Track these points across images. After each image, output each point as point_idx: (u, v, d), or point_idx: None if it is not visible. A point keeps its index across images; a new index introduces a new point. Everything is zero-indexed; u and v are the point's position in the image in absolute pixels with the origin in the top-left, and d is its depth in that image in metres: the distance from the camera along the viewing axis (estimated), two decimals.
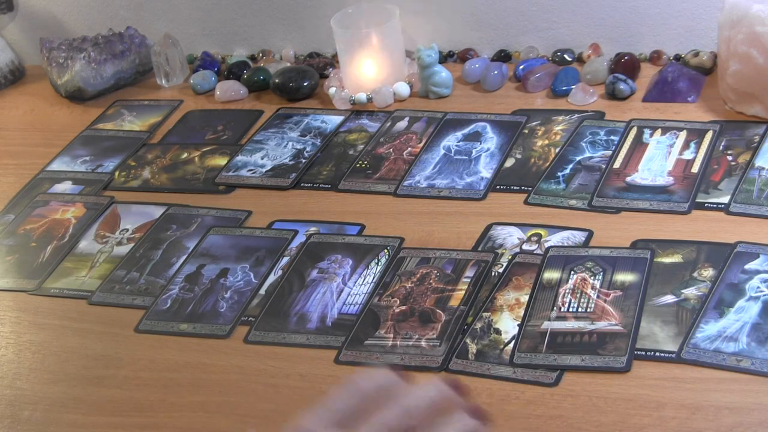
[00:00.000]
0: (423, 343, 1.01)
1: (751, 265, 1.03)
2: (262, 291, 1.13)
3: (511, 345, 0.99)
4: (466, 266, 1.10)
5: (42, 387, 1.06)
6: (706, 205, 1.14)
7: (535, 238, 1.13)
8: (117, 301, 1.16)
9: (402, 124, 1.39)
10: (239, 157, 1.38)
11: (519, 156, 1.28)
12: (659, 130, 1.27)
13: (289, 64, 1.58)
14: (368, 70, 1.44)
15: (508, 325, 1.02)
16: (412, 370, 0.99)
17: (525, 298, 1.04)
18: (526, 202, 1.20)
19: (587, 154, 1.25)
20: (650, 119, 1.30)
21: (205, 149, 1.42)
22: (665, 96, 1.34)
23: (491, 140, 1.32)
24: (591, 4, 1.45)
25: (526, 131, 1.32)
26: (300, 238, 1.20)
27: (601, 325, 0.99)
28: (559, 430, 0.90)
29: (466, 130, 1.35)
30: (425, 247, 1.15)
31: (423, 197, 1.24)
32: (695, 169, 1.20)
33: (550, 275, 1.07)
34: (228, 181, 1.34)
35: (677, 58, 1.43)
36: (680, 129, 1.27)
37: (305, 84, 1.49)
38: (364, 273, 1.12)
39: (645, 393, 0.92)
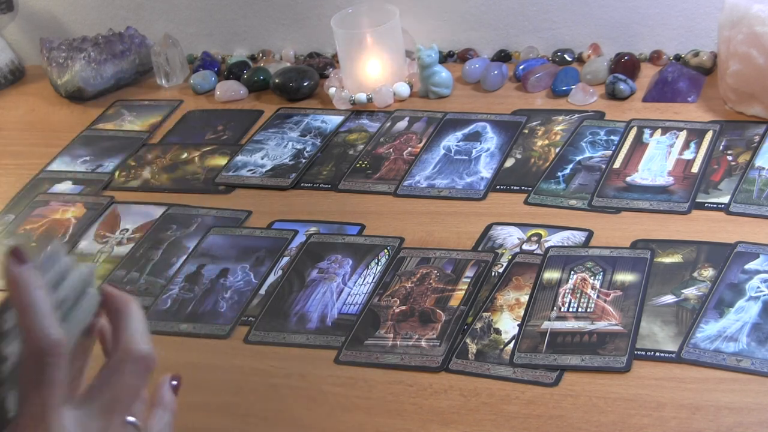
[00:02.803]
0: (423, 343, 1.01)
1: (751, 265, 1.03)
2: (262, 291, 1.13)
3: (511, 345, 0.99)
4: (466, 266, 1.10)
5: None
6: (706, 205, 1.14)
7: (535, 238, 1.13)
8: None
9: (402, 124, 1.39)
10: (239, 157, 1.38)
11: (519, 156, 1.28)
12: (659, 130, 1.27)
13: (289, 64, 1.58)
14: (368, 70, 1.44)
15: (508, 325, 1.02)
16: (412, 370, 0.99)
17: (525, 298, 1.04)
18: (526, 202, 1.20)
19: (587, 154, 1.25)
20: (650, 119, 1.30)
21: (205, 149, 1.42)
22: (665, 96, 1.34)
23: (491, 140, 1.32)
24: (591, 4, 1.45)
25: (526, 131, 1.32)
26: (300, 238, 1.20)
27: (601, 325, 0.99)
28: (559, 430, 0.90)
29: (466, 130, 1.35)
30: (425, 247, 1.15)
31: (423, 197, 1.24)
32: (695, 169, 1.20)
33: (550, 275, 1.07)
34: (228, 181, 1.34)
35: (677, 58, 1.43)
36: (680, 129, 1.27)
37: (305, 84, 1.49)
38: (364, 273, 1.12)
39: (645, 393, 0.92)
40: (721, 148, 1.22)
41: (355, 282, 1.11)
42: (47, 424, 0.61)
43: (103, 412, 0.63)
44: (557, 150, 1.27)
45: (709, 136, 1.25)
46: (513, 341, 0.99)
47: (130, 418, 0.66)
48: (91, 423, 0.62)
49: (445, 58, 1.53)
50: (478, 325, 1.02)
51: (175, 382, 0.73)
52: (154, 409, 0.70)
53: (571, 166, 1.24)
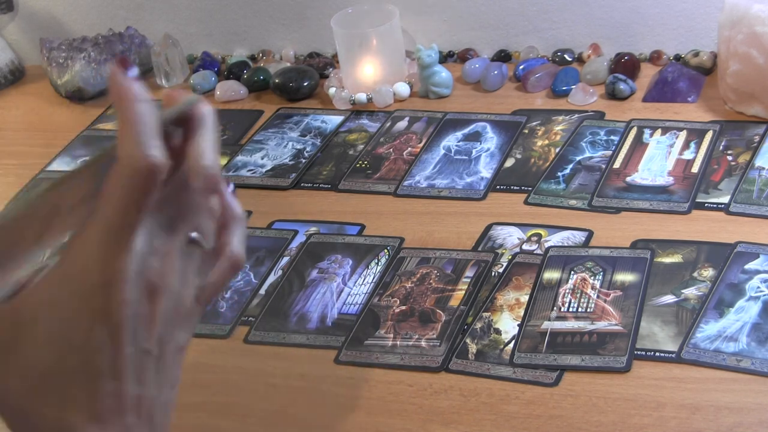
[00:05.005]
0: (423, 343, 1.01)
1: (751, 265, 1.03)
2: (262, 291, 1.13)
3: (511, 345, 0.99)
4: (466, 266, 1.10)
5: None
6: (706, 205, 1.14)
7: (535, 238, 1.13)
8: None
9: (402, 124, 1.39)
10: (239, 157, 1.38)
11: (519, 156, 1.28)
12: (659, 130, 1.27)
13: (289, 64, 1.58)
14: (368, 70, 1.44)
15: (508, 325, 1.02)
16: (412, 370, 0.99)
17: (525, 298, 1.04)
18: (526, 202, 1.20)
19: (587, 154, 1.25)
20: (650, 119, 1.30)
21: None
22: (665, 96, 1.34)
23: (491, 140, 1.32)
24: (591, 4, 1.45)
25: (526, 131, 1.32)
26: (300, 238, 1.20)
27: (601, 325, 0.99)
28: (559, 430, 0.90)
29: (466, 130, 1.35)
30: (425, 247, 1.15)
31: (423, 197, 1.24)
32: (695, 169, 1.20)
33: (550, 275, 1.07)
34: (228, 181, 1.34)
35: (677, 58, 1.43)
36: (680, 129, 1.27)
37: (305, 84, 1.49)
38: (364, 273, 1.13)
39: (645, 393, 0.92)
40: (721, 148, 1.22)
41: (355, 282, 1.12)
42: (122, 247, 0.55)
43: (166, 229, 0.59)
44: (557, 150, 1.27)
45: (709, 136, 1.25)
46: (513, 341, 0.99)
47: (194, 234, 0.61)
48: (154, 239, 0.57)
49: (445, 58, 1.53)
50: (478, 325, 1.02)
51: (232, 186, 0.66)
52: (229, 224, 0.64)
53: (571, 166, 1.24)
